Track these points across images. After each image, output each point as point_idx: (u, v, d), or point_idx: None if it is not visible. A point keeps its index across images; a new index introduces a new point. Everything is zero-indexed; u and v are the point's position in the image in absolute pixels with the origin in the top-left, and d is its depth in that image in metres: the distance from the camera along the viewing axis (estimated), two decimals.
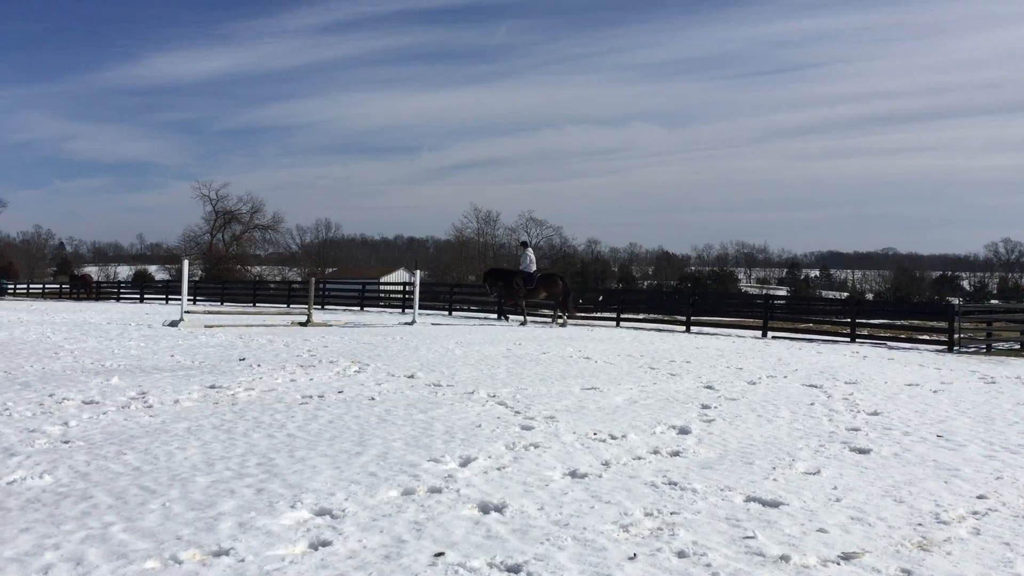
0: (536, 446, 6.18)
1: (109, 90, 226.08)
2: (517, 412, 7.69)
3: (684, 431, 6.99)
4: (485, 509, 4.53)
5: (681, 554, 3.89)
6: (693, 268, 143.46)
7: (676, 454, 6.10)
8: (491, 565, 3.67)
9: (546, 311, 26.63)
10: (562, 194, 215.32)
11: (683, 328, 24.78)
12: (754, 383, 10.53)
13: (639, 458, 5.91)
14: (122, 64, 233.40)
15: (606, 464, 5.68)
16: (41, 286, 70.10)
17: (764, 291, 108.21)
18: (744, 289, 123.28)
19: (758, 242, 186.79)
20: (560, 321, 24.32)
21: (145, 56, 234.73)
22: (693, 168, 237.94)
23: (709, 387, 9.93)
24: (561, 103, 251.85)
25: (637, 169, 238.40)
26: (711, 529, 4.29)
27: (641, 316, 29.29)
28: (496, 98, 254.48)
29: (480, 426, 6.93)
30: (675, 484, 5.17)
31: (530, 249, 25.59)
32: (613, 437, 6.61)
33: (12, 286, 68.22)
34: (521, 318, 24.86)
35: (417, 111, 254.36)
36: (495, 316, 27.81)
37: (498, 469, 5.45)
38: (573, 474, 5.38)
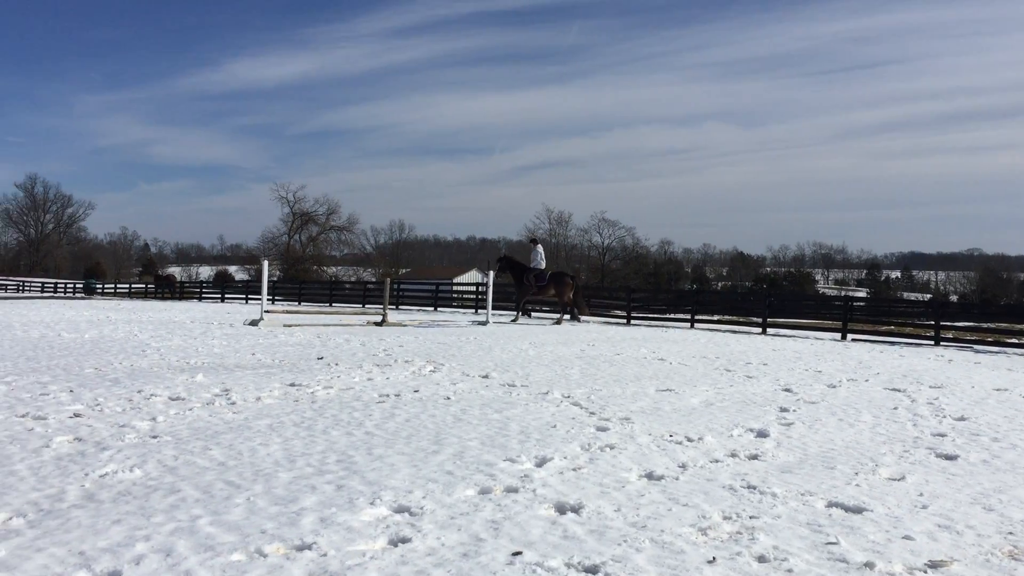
0: (611, 447, 6.16)
1: (191, 95, 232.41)
2: (592, 413, 7.67)
3: (762, 434, 6.89)
4: (561, 509, 4.53)
5: (761, 559, 3.83)
6: (768, 269, 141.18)
7: (754, 457, 6.01)
8: (568, 565, 3.67)
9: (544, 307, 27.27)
10: (635, 195, 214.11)
11: (759, 330, 24.40)
12: (834, 386, 10.32)
13: (716, 461, 5.84)
14: (203, 70, 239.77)
15: (683, 466, 5.63)
16: (128, 286, 72.53)
17: (843, 292, 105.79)
18: (821, 291, 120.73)
19: (836, 243, 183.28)
20: (569, 319, 25.10)
21: (225, 62, 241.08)
22: (768, 168, 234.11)
23: (787, 390, 9.76)
24: (633, 103, 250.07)
25: (711, 169, 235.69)
26: (792, 534, 4.22)
27: (716, 317, 29.00)
28: (568, 99, 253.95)
29: (555, 427, 6.93)
30: (754, 488, 5.10)
31: (540, 246, 25.85)
32: (689, 439, 6.55)
33: (100, 286, 70.80)
34: (528, 314, 25.45)
35: (489, 112, 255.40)
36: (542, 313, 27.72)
37: (574, 470, 5.45)
38: (649, 476, 5.35)
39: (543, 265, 24.97)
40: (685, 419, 7.53)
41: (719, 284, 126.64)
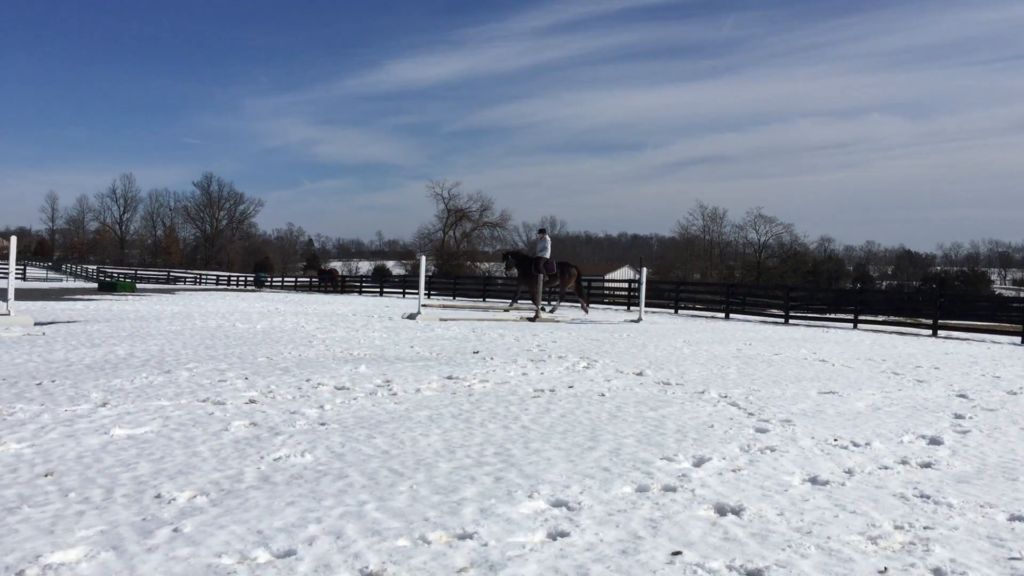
0: (772, 449, 5.99)
1: (352, 97, 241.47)
2: (750, 414, 7.49)
3: (935, 441, 6.54)
4: (721, 511, 4.44)
5: (937, 572, 3.64)
6: (938, 268, 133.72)
7: (927, 465, 5.71)
8: (730, 568, 3.60)
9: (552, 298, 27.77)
10: (793, 190, 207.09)
11: (929, 332, 23.18)
12: (1015, 393, 9.67)
13: (885, 467, 5.59)
14: (364, 72, 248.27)
15: (849, 472, 5.42)
16: (293, 279, 76.10)
17: (1022, 294, 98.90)
18: (998, 291, 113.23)
19: (1015, 240, 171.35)
20: (581, 308, 25.81)
21: (385, 63, 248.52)
22: (937, 161, 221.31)
23: (962, 396, 9.22)
24: (791, 96, 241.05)
25: (875, 163, 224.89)
26: (970, 547, 3.98)
27: (880, 318, 27.75)
28: (722, 93, 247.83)
29: (712, 426, 6.81)
30: (927, 497, 4.84)
31: (548, 237, 25.52)
32: (855, 444, 6.29)
33: (269, 279, 74.66)
34: (535, 304, 25.60)
35: (641, 108, 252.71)
36: (717, 312, 27.15)
37: (733, 471, 5.33)
38: (813, 480, 5.17)
39: (547, 255, 25.02)
40: (850, 423, 7.23)
41: (883, 283, 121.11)
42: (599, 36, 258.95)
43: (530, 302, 24.98)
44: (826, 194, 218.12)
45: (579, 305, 27.13)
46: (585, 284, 26.65)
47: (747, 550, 3.82)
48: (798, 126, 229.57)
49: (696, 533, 4.04)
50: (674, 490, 4.82)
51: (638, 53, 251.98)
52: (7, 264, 16.59)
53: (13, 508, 4.09)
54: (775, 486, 5.01)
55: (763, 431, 6.70)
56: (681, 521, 4.23)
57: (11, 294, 15.55)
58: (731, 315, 29.62)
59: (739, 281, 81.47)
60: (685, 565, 3.61)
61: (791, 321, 26.92)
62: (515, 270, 25.31)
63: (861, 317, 26.33)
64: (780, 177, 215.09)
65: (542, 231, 26.52)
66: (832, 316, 27.86)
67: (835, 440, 6.42)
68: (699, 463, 5.50)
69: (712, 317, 28.65)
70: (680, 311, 32.07)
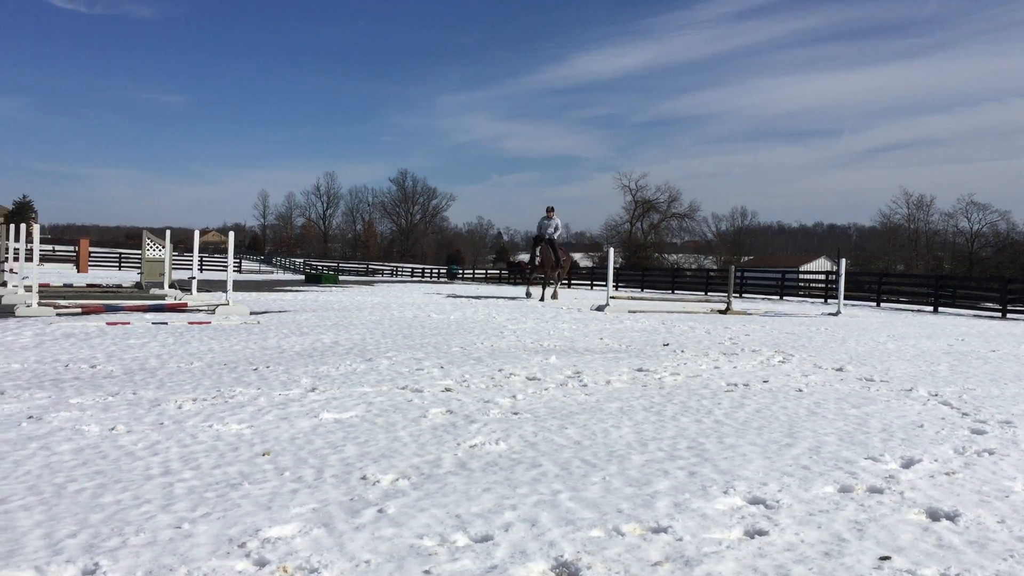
0: (990, 452, 5.57)
1: (538, 91, 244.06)
2: (965, 414, 7.00)
3: None
4: (934, 516, 4.18)
5: None
6: None
7: None
8: None
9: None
10: (1009, 175, 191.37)
11: None
12: None
13: None
14: (550, 66, 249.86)
15: None
16: (484, 272, 78.00)
17: None
18: None
19: None
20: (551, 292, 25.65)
21: (570, 57, 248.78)
22: None
23: None
24: (1005, 73, 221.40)
25: None
26: None
27: None
28: (926, 73, 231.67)
29: (922, 426, 6.41)
30: None
31: (556, 216, 24.12)
32: None
33: (460, 271, 76.93)
34: (551, 290, 25.48)
35: (837, 92, 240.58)
36: (929, 308, 25.56)
37: (946, 474, 5.00)
38: None
39: (556, 236, 24.45)
40: None
41: None
42: (791, 19, 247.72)
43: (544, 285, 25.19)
44: None
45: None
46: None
47: (963, 558, 3.57)
48: (1014, 106, 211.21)
49: (906, 538, 3.82)
50: (880, 492, 4.58)
51: (833, 34, 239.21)
52: (226, 258, 17.94)
53: (235, 484, 4.42)
54: (994, 491, 4.65)
55: (980, 432, 6.24)
56: (889, 524, 4.01)
57: (230, 285, 16.83)
58: (940, 309, 27.82)
59: (948, 272, 76.33)
60: (895, 571, 3.42)
61: (1009, 316, 24.95)
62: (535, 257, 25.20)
63: None
64: (994, 161, 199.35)
65: (551, 208, 25.69)
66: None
67: None
68: (908, 464, 5.20)
69: (918, 311, 27.00)
70: (882, 304, 30.42)
